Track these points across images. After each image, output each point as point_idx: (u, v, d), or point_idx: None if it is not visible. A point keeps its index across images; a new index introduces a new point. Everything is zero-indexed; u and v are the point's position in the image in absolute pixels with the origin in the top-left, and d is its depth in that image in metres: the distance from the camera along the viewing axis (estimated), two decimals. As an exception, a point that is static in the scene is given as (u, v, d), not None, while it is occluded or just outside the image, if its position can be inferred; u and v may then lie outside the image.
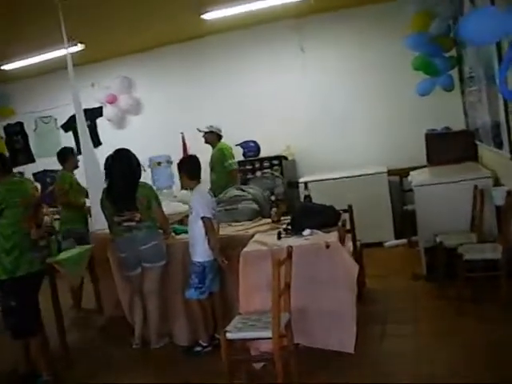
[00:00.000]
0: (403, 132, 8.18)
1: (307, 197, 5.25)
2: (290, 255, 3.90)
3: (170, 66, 9.45)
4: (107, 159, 5.16)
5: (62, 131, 10.39)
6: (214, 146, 7.67)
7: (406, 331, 4.67)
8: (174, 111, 9.44)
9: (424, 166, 7.27)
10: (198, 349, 4.89)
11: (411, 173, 6.81)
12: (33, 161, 10.66)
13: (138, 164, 5.14)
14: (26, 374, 4.68)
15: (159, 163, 8.57)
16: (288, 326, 3.95)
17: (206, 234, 4.68)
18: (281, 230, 4.72)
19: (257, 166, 8.57)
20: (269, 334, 3.65)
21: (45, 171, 10.48)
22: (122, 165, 5.05)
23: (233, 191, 6.13)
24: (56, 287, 5.24)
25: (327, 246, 4.12)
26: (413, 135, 7.87)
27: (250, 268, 4.28)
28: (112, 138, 9.65)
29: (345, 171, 8.10)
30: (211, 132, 7.59)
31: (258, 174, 8.42)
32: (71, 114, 9.88)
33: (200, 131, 7.63)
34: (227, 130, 7.86)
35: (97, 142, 9.92)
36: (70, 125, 10.17)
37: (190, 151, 8.98)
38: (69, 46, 6.51)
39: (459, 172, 6.22)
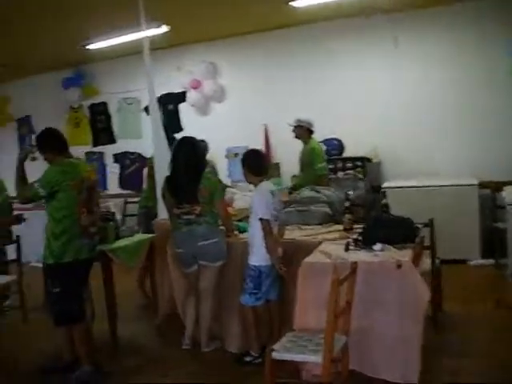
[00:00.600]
0: (498, 142, 7.49)
1: (384, 206, 4.74)
2: (354, 271, 3.46)
3: (255, 54, 9.08)
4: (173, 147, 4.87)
5: (144, 114, 10.25)
6: (305, 142, 7.21)
7: (482, 367, 4.10)
8: (257, 102, 9.08)
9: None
10: (248, 359, 4.53)
11: (506, 188, 6.15)
12: (114, 142, 10.61)
13: (204, 154, 4.81)
14: (70, 362, 4.51)
15: (236, 154, 8.28)
16: (344, 350, 3.51)
17: (264, 237, 4.30)
18: (350, 240, 4.26)
19: (339, 165, 8.07)
20: (318, 358, 3.23)
21: (125, 153, 10.44)
22: (186, 154, 4.73)
23: (307, 192, 5.70)
24: (110, 274, 5.05)
25: (398, 266, 3.63)
26: (509, 146, 7.20)
27: (310, 281, 3.85)
28: (194, 125, 9.48)
29: (431, 179, 7.49)
30: (300, 126, 7.14)
31: (340, 174, 7.91)
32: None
33: (290, 125, 7.22)
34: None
35: (178, 127, 9.76)
36: (153, 108, 10.02)
37: (272, 144, 8.73)
38: (152, 28, 6.30)
39: None
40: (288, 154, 7.88)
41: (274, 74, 8.92)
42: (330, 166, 7.96)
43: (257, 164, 4.53)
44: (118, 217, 9.80)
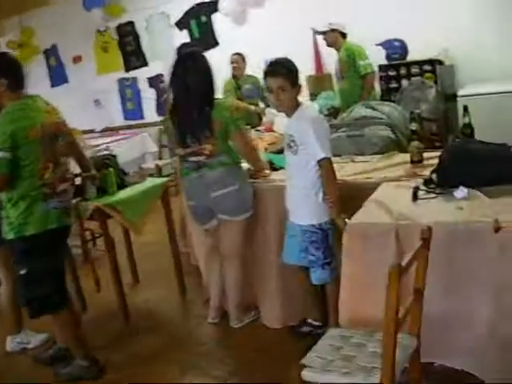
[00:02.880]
0: None
1: (467, 127, 3.36)
2: (427, 243, 2.19)
3: None
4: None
5: (176, 30, 8.91)
6: (338, 48, 6.04)
7: None
8: (303, 3, 7.54)
9: None
10: (306, 329, 3.45)
11: None
12: (146, 64, 9.38)
13: (210, 73, 3.52)
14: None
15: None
16: (414, 358, 2.31)
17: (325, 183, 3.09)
18: (419, 182, 2.94)
19: (402, 72, 6.54)
20: (374, 379, 2.05)
21: (159, 76, 9.20)
22: (189, 74, 3.46)
23: (360, 109, 4.38)
24: (108, 237, 3.98)
25: (497, 230, 2.32)
26: None
27: (360, 251, 2.60)
28: (230, 37, 8.08)
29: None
30: (332, 30, 5.97)
31: (404, 82, 6.41)
32: (185, 9, 8.55)
33: (317, 32, 6.02)
34: (365, 28, 6.24)
35: (213, 41, 8.45)
36: (184, 22, 8.74)
37: (322, 53, 7.33)
38: None
39: None
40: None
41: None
42: (392, 73, 6.50)
43: (294, 74, 3.16)
44: (154, 149, 8.85)
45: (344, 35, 5.99)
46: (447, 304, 2.50)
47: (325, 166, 3.05)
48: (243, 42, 7.24)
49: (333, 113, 5.59)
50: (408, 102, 5.60)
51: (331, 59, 7.01)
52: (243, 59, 6.86)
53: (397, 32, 6.65)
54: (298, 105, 3.16)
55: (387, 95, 6.19)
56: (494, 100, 5.74)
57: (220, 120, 3.42)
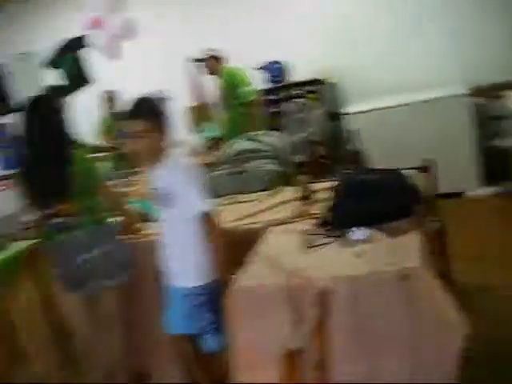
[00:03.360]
0: (489, 33, 5.80)
1: (356, 155, 3.06)
2: (325, 306, 1.82)
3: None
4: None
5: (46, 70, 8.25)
6: (219, 75, 5.61)
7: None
8: (177, 33, 7.23)
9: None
10: None
11: (508, 94, 4.55)
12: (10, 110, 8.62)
13: (61, 120, 3.03)
14: None
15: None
16: None
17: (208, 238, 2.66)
18: (311, 226, 2.58)
19: (285, 94, 6.32)
20: None
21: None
22: (34, 127, 2.95)
23: (241, 143, 4.00)
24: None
25: (403, 277, 1.99)
26: (503, 37, 5.58)
27: (249, 316, 2.19)
28: (106, 73, 7.52)
29: (405, 95, 5.78)
30: (210, 57, 5.57)
31: (288, 106, 6.15)
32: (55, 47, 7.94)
33: (197, 61, 5.70)
34: (245, 53, 5.92)
35: (87, 79, 7.84)
36: (54, 61, 8.05)
37: (200, 82, 6.96)
38: None
39: None
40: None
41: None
42: (273, 97, 6.23)
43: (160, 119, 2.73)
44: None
45: (221, 60, 5.58)
46: (356, 368, 2.14)
47: (206, 219, 2.65)
48: (119, 77, 6.89)
49: (215, 145, 5.22)
50: (293, 126, 5.33)
51: (213, 87, 6.70)
52: (116, 96, 6.37)
53: (277, 53, 6.42)
54: (166, 152, 2.73)
55: (272, 121, 5.86)
56: (379, 114, 5.63)
57: (79, 174, 2.93)
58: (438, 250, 3.10)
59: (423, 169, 3.06)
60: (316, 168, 3.83)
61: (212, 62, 5.48)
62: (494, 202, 5.23)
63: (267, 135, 3.99)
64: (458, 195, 5.49)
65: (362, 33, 6.34)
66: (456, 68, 5.89)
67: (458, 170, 5.43)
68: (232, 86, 5.46)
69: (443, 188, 5.26)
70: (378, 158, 4.99)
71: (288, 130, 5.21)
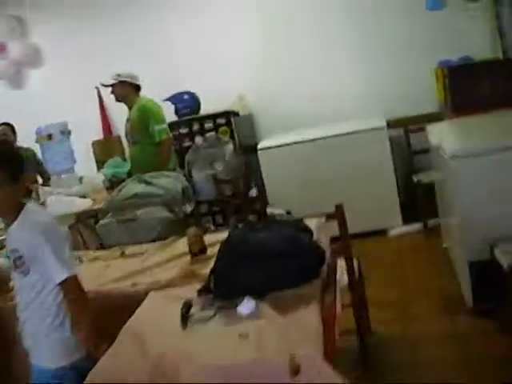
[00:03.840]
0: (406, 65, 5.56)
1: (262, 196, 2.62)
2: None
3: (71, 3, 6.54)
4: None
5: None
6: (130, 105, 4.91)
7: None
8: (85, 62, 6.54)
9: (438, 115, 4.97)
10: None
11: (429, 128, 4.26)
12: None
13: None
14: None
15: (50, 136, 5.88)
16: None
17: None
18: (193, 299, 2.09)
19: (195, 128, 5.80)
20: None
21: None
22: None
23: (132, 185, 3.52)
24: None
25: (294, 371, 1.53)
26: (419, 70, 5.40)
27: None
28: (7, 102, 6.85)
29: (321, 129, 5.45)
30: (122, 82, 4.83)
31: (198, 139, 5.67)
32: None
33: (103, 85, 5.06)
34: (155, 84, 5.43)
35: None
36: None
37: (111, 112, 6.58)
38: None
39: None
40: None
41: (101, 25, 6.50)
42: (183, 131, 5.78)
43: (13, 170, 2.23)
44: None
45: (137, 88, 4.91)
46: None
47: (69, 287, 2.15)
48: (22, 107, 6.41)
49: (117, 183, 4.67)
50: (202, 163, 4.89)
51: (122, 118, 6.21)
52: (13, 130, 5.70)
53: (188, 84, 5.98)
54: (20, 207, 2.21)
55: (180, 157, 5.35)
56: (294, 148, 5.29)
57: None
58: (353, 301, 2.74)
59: (333, 215, 2.66)
60: (224, 209, 3.36)
61: (123, 89, 4.82)
62: (418, 238, 4.94)
63: (164, 176, 3.52)
64: (382, 233, 5.17)
65: (276, 63, 6.00)
66: (376, 100, 5.64)
67: (382, 207, 5.15)
68: (143, 121, 4.76)
69: (367, 226, 5.00)
70: (290, 198, 4.66)
71: (195, 166, 4.73)
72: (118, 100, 4.95)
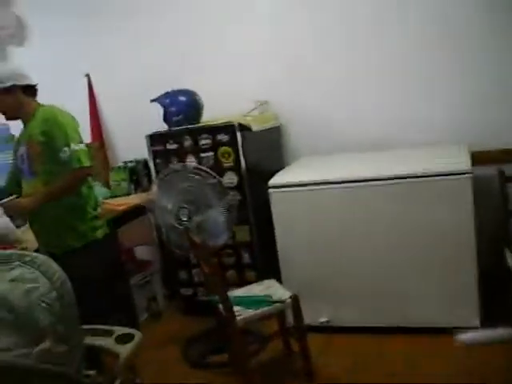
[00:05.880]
0: (479, 86, 3.83)
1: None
2: None
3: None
4: None
5: None
6: (25, 118, 3.10)
7: None
8: (75, 43, 5.25)
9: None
10: None
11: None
12: None
13: None
14: None
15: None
16: None
17: None
18: None
19: (187, 143, 4.04)
20: None
21: None
22: None
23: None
24: None
25: None
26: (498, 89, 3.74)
27: None
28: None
29: (370, 163, 3.67)
30: (5, 90, 2.99)
31: (190, 165, 3.76)
32: None
33: None
34: (146, 78, 4.62)
35: None
36: None
37: (101, 100, 5.22)
38: None
39: None
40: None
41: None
42: (171, 147, 4.09)
43: None
44: None
45: (32, 92, 3.10)
46: None
47: None
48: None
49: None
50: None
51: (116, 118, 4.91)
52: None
53: (189, 80, 4.33)
54: None
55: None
56: (320, 193, 3.54)
57: None
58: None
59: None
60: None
61: (11, 96, 2.99)
62: (504, 353, 3.07)
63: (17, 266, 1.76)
64: (445, 333, 3.36)
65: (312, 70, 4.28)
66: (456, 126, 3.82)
67: (450, 295, 3.35)
68: (50, 139, 2.96)
69: (420, 320, 3.22)
70: (308, 267, 2.99)
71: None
72: (4, 114, 3.11)
